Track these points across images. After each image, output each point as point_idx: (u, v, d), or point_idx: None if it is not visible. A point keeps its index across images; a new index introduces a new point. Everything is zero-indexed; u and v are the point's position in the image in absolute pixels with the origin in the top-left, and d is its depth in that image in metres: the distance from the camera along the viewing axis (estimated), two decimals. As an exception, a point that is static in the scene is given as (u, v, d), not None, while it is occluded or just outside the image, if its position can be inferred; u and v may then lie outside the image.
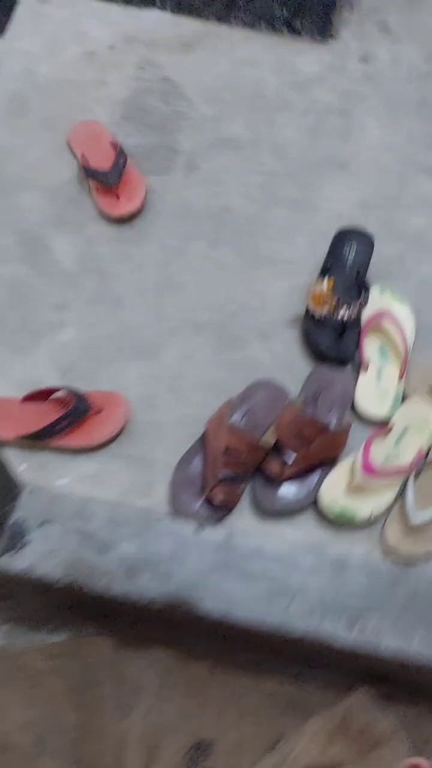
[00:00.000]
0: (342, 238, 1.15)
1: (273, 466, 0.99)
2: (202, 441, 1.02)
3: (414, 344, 1.11)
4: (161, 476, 1.02)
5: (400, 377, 1.07)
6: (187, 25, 1.39)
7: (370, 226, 1.18)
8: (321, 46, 1.38)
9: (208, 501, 0.97)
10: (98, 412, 1.03)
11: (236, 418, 1.04)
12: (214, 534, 0.92)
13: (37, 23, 1.37)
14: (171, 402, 1.07)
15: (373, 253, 1.16)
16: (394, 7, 1.43)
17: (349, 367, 1.10)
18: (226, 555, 0.90)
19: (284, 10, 1.37)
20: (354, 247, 1.15)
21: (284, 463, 0.99)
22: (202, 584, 0.88)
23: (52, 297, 1.14)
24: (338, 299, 1.08)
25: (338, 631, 0.86)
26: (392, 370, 1.09)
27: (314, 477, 1.01)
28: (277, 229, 1.21)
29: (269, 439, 1.00)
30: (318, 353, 1.10)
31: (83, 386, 1.05)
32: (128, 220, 1.20)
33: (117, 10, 1.39)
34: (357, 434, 1.04)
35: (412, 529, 0.97)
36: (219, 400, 1.05)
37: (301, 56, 1.37)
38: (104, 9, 1.39)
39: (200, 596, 0.87)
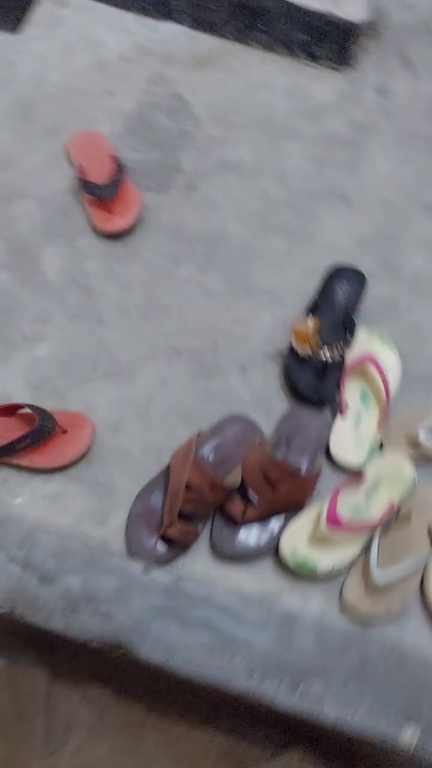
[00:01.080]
0: (334, 275, 1.12)
1: (235, 507, 0.96)
2: (166, 473, 0.99)
3: (397, 392, 1.06)
4: (120, 505, 0.98)
5: (379, 425, 1.03)
6: (204, 42, 1.36)
7: (367, 264, 1.14)
8: (338, 75, 1.34)
9: (164, 537, 0.94)
10: (63, 432, 1.00)
11: (204, 452, 1.00)
12: (163, 576, 0.88)
13: (52, 27, 1.35)
14: (139, 428, 1.04)
15: (367, 292, 1.12)
16: (419, 42, 1.39)
17: (327, 410, 1.06)
18: (172, 600, 0.86)
19: (304, 35, 1.33)
20: (345, 286, 1.11)
21: (248, 505, 0.96)
22: (143, 628, 0.84)
23: (33, 309, 1.12)
24: (322, 340, 1.04)
25: (279, 693, 0.82)
26: (372, 418, 1.05)
27: (278, 522, 0.97)
28: (270, 258, 1.17)
29: (234, 479, 0.96)
30: (296, 392, 1.06)
31: (53, 404, 1.03)
32: (119, 236, 1.17)
33: (133, 19, 1.37)
34: (328, 480, 1.00)
35: (373, 589, 0.93)
36: (189, 431, 1.01)
37: (317, 83, 1.33)
38: (121, 17, 1.37)
39: (140, 640, 0.84)
